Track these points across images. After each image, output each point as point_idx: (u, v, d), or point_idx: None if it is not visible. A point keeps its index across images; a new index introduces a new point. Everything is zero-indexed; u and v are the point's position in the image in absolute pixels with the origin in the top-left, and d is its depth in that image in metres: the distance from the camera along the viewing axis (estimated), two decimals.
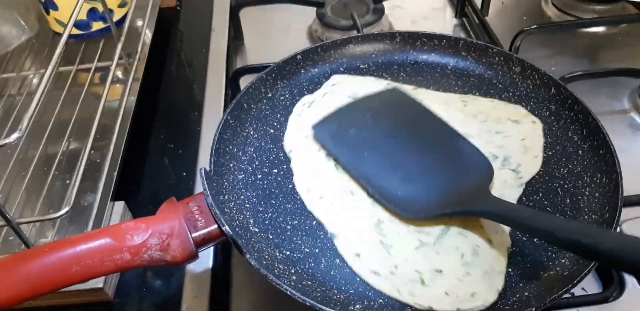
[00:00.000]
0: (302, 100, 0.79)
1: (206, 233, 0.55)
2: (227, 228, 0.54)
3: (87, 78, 0.87)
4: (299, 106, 0.78)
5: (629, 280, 0.66)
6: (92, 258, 0.50)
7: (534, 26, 0.97)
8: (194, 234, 0.55)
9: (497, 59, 0.82)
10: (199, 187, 0.78)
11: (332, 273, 0.59)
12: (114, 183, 0.72)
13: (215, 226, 0.56)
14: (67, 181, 0.74)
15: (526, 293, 0.56)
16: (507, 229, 0.62)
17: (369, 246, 0.60)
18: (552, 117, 0.76)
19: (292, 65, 0.82)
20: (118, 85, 0.89)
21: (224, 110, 0.89)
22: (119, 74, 0.93)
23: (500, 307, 0.55)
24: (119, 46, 0.84)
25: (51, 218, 0.62)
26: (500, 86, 0.82)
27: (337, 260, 0.60)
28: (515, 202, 0.65)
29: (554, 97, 0.77)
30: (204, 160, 0.82)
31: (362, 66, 0.85)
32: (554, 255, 0.60)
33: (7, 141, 0.51)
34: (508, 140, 0.73)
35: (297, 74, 0.83)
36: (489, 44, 0.83)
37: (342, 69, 0.85)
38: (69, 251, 0.50)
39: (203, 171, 0.59)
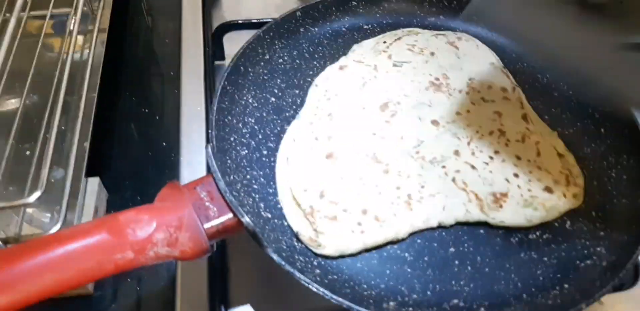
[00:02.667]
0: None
1: (220, 224, 0.47)
2: (247, 219, 0.46)
3: (41, 27, 0.72)
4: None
5: None
6: (86, 260, 0.40)
7: None
8: (206, 226, 0.46)
9: None
10: (185, 160, 0.68)
11: (358, 265, 0.53)
12: (86, 156, 0.61)
13: (231, 215, 0.47)
14: (28, 152, 0.61)
15: (566, 285, 0.53)
16: None
17: None
18: (571, 92, 0.71)
19: (291, 23, 0.72)
20: (79, 36, 0.75)
21: (205, 71, 0.79)
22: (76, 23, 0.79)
23: (543, 302, 0.51)
24: None
25: (20, 204, 0.50)
26: (513, 55, 0.76)
27: (363, 251, 0.54)
28: None
29: None
30: (188, 128, 0.71)
31: (365, 27, 0.77)
32: (587, 243, 0.57)
33: None
34: None
35: (296, 33, 0.73)
36: None
37: (344, 29, 0.76)
38: (57, 252, 0.40)
39: (210, 148, 0.50)
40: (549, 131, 0.67)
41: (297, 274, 0.46)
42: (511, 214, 0.57)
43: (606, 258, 0.55)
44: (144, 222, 0.44)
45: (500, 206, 0.57)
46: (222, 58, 0.83)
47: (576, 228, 0.58)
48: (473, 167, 0.61)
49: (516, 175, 0.61)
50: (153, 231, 0.44)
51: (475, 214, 0.57)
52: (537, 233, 0.57)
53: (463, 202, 0.58)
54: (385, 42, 0.74)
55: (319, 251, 0.52)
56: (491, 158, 0.62)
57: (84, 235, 0.41)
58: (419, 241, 0.56)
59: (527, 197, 0.59)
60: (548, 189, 0.60)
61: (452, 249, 0.55)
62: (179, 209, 0.45)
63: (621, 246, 0.55)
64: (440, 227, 0.57)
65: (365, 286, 0.51)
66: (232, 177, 0.54)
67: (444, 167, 0.61)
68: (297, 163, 0.59)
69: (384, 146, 0.62)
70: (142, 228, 0.44)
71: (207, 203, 0.47)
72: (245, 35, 0.69)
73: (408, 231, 0.55)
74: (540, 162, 0.63)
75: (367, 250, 0.54)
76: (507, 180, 0.60)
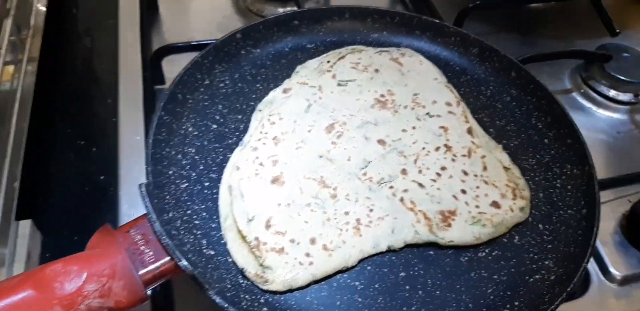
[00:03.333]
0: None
1: (156, 269, 0.45)
2: (185, 262, 0.44)
3: None
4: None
5: (594, 276, 0.66)
6: None
7: (478, 2, 0.92)
8: (142, 272, 0.44)
9: (453, 39, 0.76)
10: (124, 194, 0.65)
11: (307, 299, 0.51)
12: (16, 197, 0.57)
13: (168, 258, 0.45)
14: None
15: (516, 302, 0.53)
16: None
17: None
18: (514, 103, 0.72)
19: (231, 45, 0.70)
20: (10, 66, 0.71)
21: (145, 97, 0.76)
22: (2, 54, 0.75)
23: None
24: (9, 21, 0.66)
25: None
26: (457, 68, 0.76)
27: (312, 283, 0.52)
28: None
29: (515, 81, 0.73)
30: (127, 160, 0.68)
31: (309, 46, 0.76)
32: (536, 257, 0.57)
33: None
34: None
35: (237, 55, 0.71)
36: (445, 22, 0.77)
37: (287, 49, 0.74)
38: None
39: (144, 187, 0.47)
40: (495, 144, 0.67)
41: None
42: (459, 233, 0.57)
43: (554, 272, 0.55)
44: (72, 273, 0.41)
45: (449, 225, 0.57)
46: (162, 82, 0.81)
47: (524, 242, 0.58)
48: (421, 185, 0.61)
49: (463, 191, 0.61)
50: (83, 283, 0.41)
51: (424, 235, 0.56)
52: (487, 251, 0.57)
53: (412, 223, 0.57)
54: (329, 61, 0.73)
55: (266, 287, 0.50)
56: (438, 174, 0.62)
57: (7, 293, 0.39)
58: (369, 267, 0.55)
59: (475, 214, 0.58)
60: (495, 204, 0.60)
61: (402, 273, 0.55)
62: (111, 257, 0.43)
63: (569, 258, 0.56)
64: (390, 251, 0.56)
65: None
66: (170, 214, 0.52)
67: (391, 187, 0.60)
68: (241, 191, 0.57)
69: (331, 169, 0.61)
70: (71, 280, 0.41)
71: (142, 247, 0.45)
72: (187, 57, 0.67)
73: (358, 257, 0.54)
74: (486, 176, 0.63)
75: (317, 281, 0.52)
76: (455, 197, 0.60)
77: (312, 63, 0.74)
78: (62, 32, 0.90)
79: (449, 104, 0.70)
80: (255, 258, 0.52)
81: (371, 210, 0.58)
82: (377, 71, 0.73)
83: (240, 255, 0.52)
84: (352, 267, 0.54)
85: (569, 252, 0.56)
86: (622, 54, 0.91)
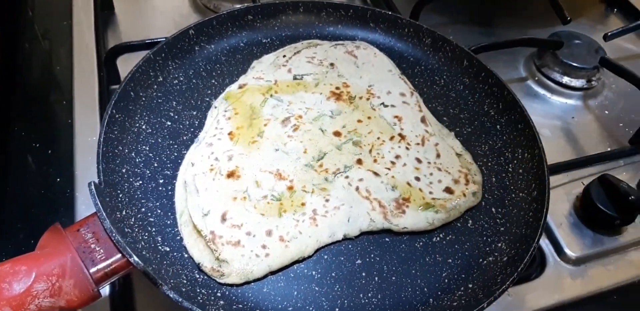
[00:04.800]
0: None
1: (108, 267, 0.44)
2: (136, 258, 0.44)
3: None
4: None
5: (550, 257, 0.68)
6: None
7: None
8: (92, 270, 0.44)
9: (406, 30, 0.77)
10: (80, 196, 0.64)
11: (265, 290, 0.52)
12: None
13: (119, 255, 0.45)
14: None
15: (470, 285, 0.54)
16: None
17: None
18: (467, 91, 0.74)
19: (185, 41, 0.70)
20: None
21: (100, 97, 0.76)
22: None
23: (448, 304, 0.52)
24: None
25: None
26: (411, 58, 0.77)
27: (269, 274, 0.53)
28: None
29: (467, 69, 0.74)
30: (82, 161, 0.67)
31: (264, 41, 0.76)
32: (489, 240, 0.59)
33: None
34: None
35: (191, 52, 0.71)
36: (398, 14, 0.78)
37: (242, 44, 0.75)
38: None
39: (93, 185, 0.47)
40: (447, 132, 0.68)
41: (198, 310, 0.45)
42: (413, 219, 0.58)
43: (506, 253, 0.56)
44: (21, 273, 0.41)
45: (403, 212, 0.58)
46: (118, 82, 0.80)
47: (478, 226, 0.60)
48: (376, 174, 0.62)
49: (417, 178, 0.62)
50: (32, 283, 0.41)
51: (379, 223, 0.57)
52: (441, 235, 0.59)
53: (367, 211, 0.58)
54: (284, 56, 0.74)
55: (222, 280, 0.51)
56: (393, 163, 0.63)
57: None
58: (325, 256, 0.56)
59: (428, 200, 0.60)
60: (448, 190, 0.61)
61: (359, 261, 0.55)
62: (61, 256, 0.43)
63: (520, 240, 0.57)
64: (346, 239, 0.57)
65: None
66: (124, 212, 0.52)
67: (347, 177, 0.61)
68: (196, 187, 0.57)
69: (287, 162, 0.62)
70: (20, 280, 0.41)
71: (92, 246, 0.45)
72: (142, 56, 0.67)
73: (314, 247, 0.55)
74: (440, 163, 0.64)
75: (273, 272, 0.53)
76: (409, 184, 0.61)
77: (268, 58, 0.74)
78: (17, 35, 0.89)
79: (402, 94, 0.71)
80: (212, 252, 0.52)
81: (327, 200, 0.58)
82: (332, 64, 0.73)
83: (196, 250, 0.52)
84: (309, 257, 0.55)
85: (521, 233, 0.58)
86: (573, 41, 0.93)
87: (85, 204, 0.63)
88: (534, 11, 1.05)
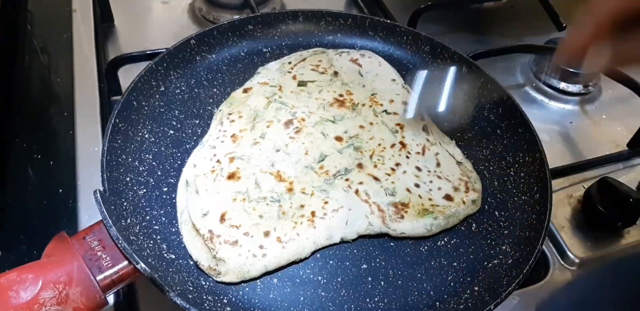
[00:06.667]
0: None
1: (114, 274, 0.44)
2: (144, 265, 0.44)
3: None
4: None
5: (553, 260, 0.68)
6: None
7: (430, 3, 0.95)
8: (99, 277, 0.44)
9: (405, 38, 0.78)
10: (83, 207, 0.64)
11: (271, 296, 0.52)
12: None
13: (125, 262, 0.45)
14: None
15: (476, 288, 0.54)
16: None
17: None
18: (467, 97, 0.74)
19: (186, 51, 0.71)
20: None
21: (102, 108, 0.76)
22: None
23: (455, 307, 0.52)
24: None
25: None
26: (410, 66, 0.78)
27: (275, 280, 0.53)
28: None
29: (466, 76, 0.75)
30: (85, 172, 0.67)
31: (264, 50, 0.77)
32: (493, 243, 0.59)
33: None
34: None
35: (192, 61, 0.72)
36: (396, 22, 0.79)
37: (242, 53, 0.75)
38: None
39: (98, 193, 0.47)
40: (448, 140, 0.69)
41: None
42: (411, 225, 0.58)
43: (511, 256, 0.56)
44: (28, 282, 0.41)
45: (402, 217, 0.58)
46: (119, 93, 0.80)
47: (482, 229, 0.60)
48: (376, 178, 0.62)
49: (417, 185, 0.62)
50: (39, 291, 0.41)
51: (377, 227, 0.57)
52: (446, 239, 0.59)
53: (366, 214, 0.58)
54: (290, 62, 0.74)
55: (219, 279, 0.51)
56: (393, 169, 0.63)
57: None
58: (331, 262, 0.55)
59: (427, 206, 0.60)
60: (448, 197, 0.61)
61: (364, 265, 0.55)
62: (67, 263, 0.43)
63: (524, 242, 0.57)
64: (344, 242, 0.57)
65: None
66: (129, 220, 0.52)
67: (347, 180, 0.61)
68: (197, 188, 0.57)
69: (288, 163, 0.62)
70: (27, 288, 0.41)
71: (99, 253, 0.45)
72: (143, 67, 0.67)
73: (311, 249, 0.55)
74: (440, 172, 0.64)
75: (278, 278, 0.53)
76: (409, 190, 0.61)
77: (274, 65, 0.75)
78: (17, 49, 0.89)
79: (405, 103, 0.71)
80: (209, 251, 0.52)
81: (326, 202, 0.58)
82: (336, 72, 0.74)
83: (194, 248, 0.52)
84: (307, 258, 0.54)
85: (525, 236, 0.58)
86: None
87: (88, 215, 0.63)
88: (529, 18, 1.07)
